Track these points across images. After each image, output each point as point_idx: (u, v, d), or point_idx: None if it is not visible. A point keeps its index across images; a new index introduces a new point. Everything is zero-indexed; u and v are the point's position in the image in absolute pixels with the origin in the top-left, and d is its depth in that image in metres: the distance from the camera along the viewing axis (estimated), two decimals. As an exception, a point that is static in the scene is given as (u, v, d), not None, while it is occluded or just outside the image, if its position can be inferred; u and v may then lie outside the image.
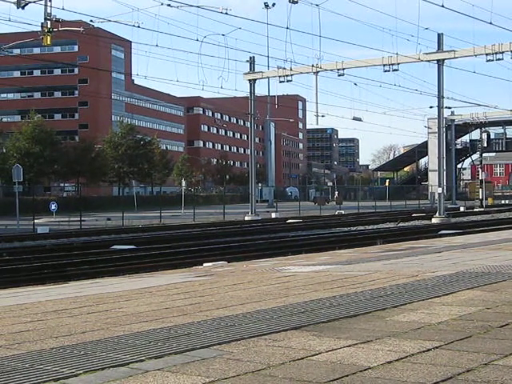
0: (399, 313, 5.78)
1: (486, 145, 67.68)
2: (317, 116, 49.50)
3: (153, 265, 17.83)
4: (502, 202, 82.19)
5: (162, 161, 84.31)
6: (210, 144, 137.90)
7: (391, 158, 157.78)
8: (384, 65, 42.93)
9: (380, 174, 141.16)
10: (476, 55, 41.91)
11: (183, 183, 61.16)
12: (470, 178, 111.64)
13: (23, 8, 25.65)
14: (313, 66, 42.57)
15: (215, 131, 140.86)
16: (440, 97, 43.11)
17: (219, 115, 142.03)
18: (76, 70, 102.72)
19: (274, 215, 48.19)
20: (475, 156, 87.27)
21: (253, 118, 48.22)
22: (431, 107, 70.41)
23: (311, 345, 4.59)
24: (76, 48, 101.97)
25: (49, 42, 26.19)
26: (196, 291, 7.83)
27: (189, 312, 6.14)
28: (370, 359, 4.13)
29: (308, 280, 8.48)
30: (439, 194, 42.63)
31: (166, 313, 6.15)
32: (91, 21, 31.24)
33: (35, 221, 35.09)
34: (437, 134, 44.45)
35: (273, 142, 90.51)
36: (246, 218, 44.15)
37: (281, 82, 46.59)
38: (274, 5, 46.62)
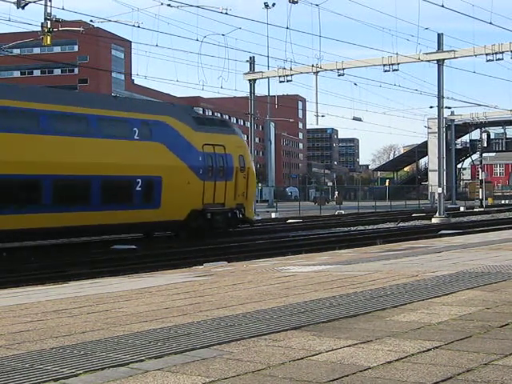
0: (399, 313, 5.78)
1: (485, 145, 67.66)
2: (317, 116, 49.55)
3: (153, 265, 17.84)
4: (502, 201, 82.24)
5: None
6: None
7: (391, 157, 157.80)
8: (384, 65, 43.00)
9: (380, 173, 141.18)
10: (476, 55, 41.98)
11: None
12: (469, 177, 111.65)
13: (23, 8, 25.69)
14: (313, 66, 42.62)
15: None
16: (440, 97, 43.14)
17: (219, 115, 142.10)
18: (76, 70, 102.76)
19: (273, 215, 48.17)
20: (475, 156, 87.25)
21: (253, 118, 48.27)
22: (431, 107, 70.43)
23: (311, 345, 4.59)
24: (76, 48, 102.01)
25: (49, 42, 26.23)
26: (196, 291, 7.83)
27: (189, 312, 6.14)
28: (370, 359, 4.13)
29: (308, 280, 8.48)
30: (439, 194, 42.62)
31: (166, 313, 6.15)
32: (91, 21, 31.31)
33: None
34: (437, 134, 44.49)
35: (273, 141, 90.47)
36: (246, 218, 44.15)
37: (281, 82, 46.71)
38: (274, 5, 46.64)
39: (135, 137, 24.20)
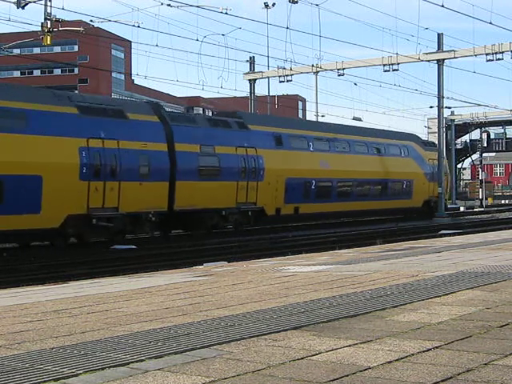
0: (399, 313, 5.78)
1: (485, 145, 67.70)
2: (317, 116, 49.57)
3: (153, 265, 17.84)
4: (502, 201, 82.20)
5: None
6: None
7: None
8: (384, 65, 43.02)
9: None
10: (476, 55, 42.01)
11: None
12: (470, 177, 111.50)
13: (23, 8, 25.69)
14: (313, 65, 42.62)
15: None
16: (440, 97, 43.15)
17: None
18: (76, 70, 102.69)
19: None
20: (475, 156, 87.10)
21: (253, 117, 48.13)
22: (431, 107, 70.49)
23: (311, 345, 4.59)
24: (76, 48, 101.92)
25: (49, 42, 26.22)
26: (196, 291, 7.83)
27: (189, 312, 6.13)
28: (370, 359, 4.13)
29: (308, 280, 8.48)
30: (439, 193, 42.60)
31: (166, 313, 6.15)
32: (91, 21, 31.37)
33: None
34: (437, 134, 44.47)
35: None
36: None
37: (281, 81, 46.75)
38: (274, 5, 46.62)
39: (402, 155, 40.29)
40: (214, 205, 27.71)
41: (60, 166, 22.11)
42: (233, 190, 28.53)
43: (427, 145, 44.16)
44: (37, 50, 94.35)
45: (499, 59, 41.02)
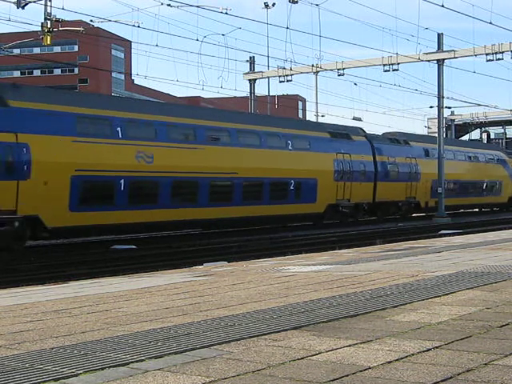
0: (399, 313, 5.78)
1: (485, 145, 67.67)
2: (317, 116, 49.61)
3: (153, 265, 17.84)
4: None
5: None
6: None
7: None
8: (384, 65, 43.00)
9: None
10: (476, 55, 41.99)
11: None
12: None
13: (23, 8, 25.70)
14: (313, 65, 42.63)
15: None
16: (440, 97, 43.14)
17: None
18: (76, 70, 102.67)
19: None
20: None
21: (253, 117, 48.10)
22: (431, 107, 70.52)
23: (311, 345, 4.58)
24: (76, 48, 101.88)
25: (49, 42, 26.21)
26: (196, 291, 7.83)
27: (189, 312, 6.13)
28: (370, 359, 4.13)
29: (308, 280, 8.48)
30: (439, 193, 42.60)
31: (166, 313, 6.15)
32: (91, 21, 31.38)
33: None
34: (437, 134, 44.47)
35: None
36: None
37: (281, 81, 46.73)
38: (274, 5, 46.60)
39: (495, 162, 52.36)
40: (394, 198, 39.66)
41: (325, 172, 33.72)
42: (404, 188, 40.49)
43: (510, 153, 57.67)
44: (37, 50, 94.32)
45: (499, 59, 41.02)
